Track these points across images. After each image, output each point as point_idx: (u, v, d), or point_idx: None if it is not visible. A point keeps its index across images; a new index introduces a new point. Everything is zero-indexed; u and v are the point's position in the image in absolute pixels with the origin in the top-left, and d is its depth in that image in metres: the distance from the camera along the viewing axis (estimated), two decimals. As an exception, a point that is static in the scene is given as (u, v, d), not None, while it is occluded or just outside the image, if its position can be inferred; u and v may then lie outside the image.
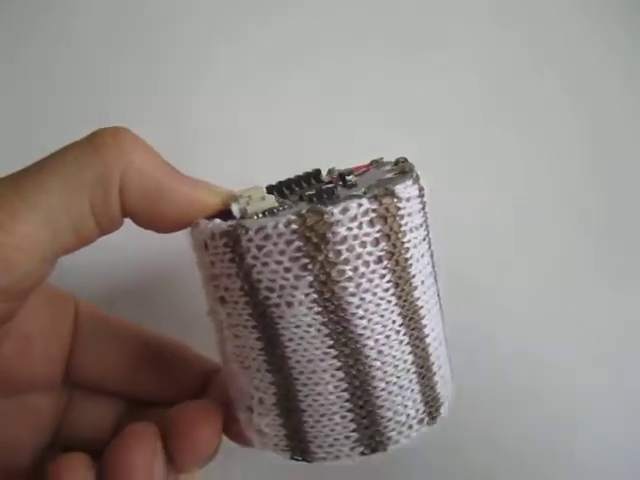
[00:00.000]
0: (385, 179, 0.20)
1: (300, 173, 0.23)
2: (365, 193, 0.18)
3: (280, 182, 0.23)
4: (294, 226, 0.17)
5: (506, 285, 0.31)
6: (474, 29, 0.33)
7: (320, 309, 0.18)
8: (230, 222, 0.18)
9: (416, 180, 0.20)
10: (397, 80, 0.33)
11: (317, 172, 0.23)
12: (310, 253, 0.17)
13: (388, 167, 0.22)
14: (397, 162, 0.22)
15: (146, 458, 0.20)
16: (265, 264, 0.18)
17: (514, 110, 0.33)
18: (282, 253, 0.17)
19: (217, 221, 0.19)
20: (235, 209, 0.20)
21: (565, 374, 0.31)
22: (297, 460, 0.20)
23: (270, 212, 0.20)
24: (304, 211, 0.17)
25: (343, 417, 0.19)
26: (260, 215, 0.20)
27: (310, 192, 0.20)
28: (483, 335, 0.30)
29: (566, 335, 0.31)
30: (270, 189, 0.22)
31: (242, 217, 0.20)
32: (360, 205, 0.17)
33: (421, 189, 0.20)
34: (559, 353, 0.30)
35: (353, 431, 0.19)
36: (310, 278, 0.17)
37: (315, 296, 0.18)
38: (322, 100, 0.33)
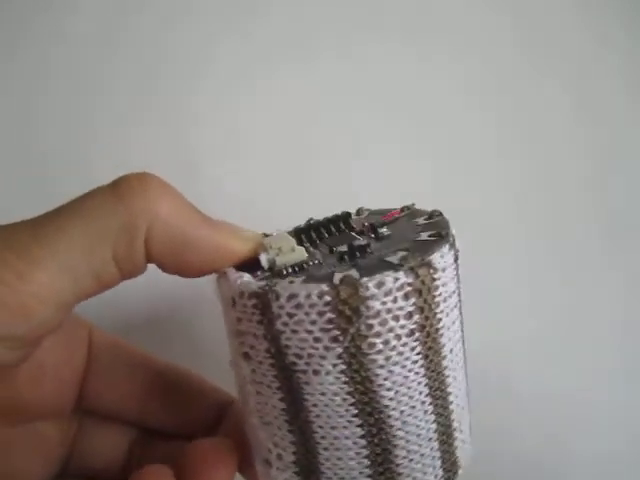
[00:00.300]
0: (420, 242, 0.19)
1: (329, 215, 0.23)
2: (401, 263, 0.17)
3: (309, 225, 0.22)
4: (327, 298, 0.17)
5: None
6: (474, 28, 0.32)
7: (347, 379, 0.17)
8: (260, 282, 0.18)
9: (452, 245, 0.19)
10: (399, 77, 0.32)
11: (346, 216, 0.22)
12: (342, 325, 0.17)
13: (421, 220, 0.21)
14: (431, 215, 0.21)
15: None
16: (295, 332, 0.17)
17: (514, 110, 0.33)
18: (313, 323, 0.17)
19: (246, 278, 0.18)
20: (264, 260, 0.20)
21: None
22: (312, 516, 0.20)
23: (300, 267, 0.19)
24: (337, 281, 0.17)
25: (363, 483, 0.19)
26: (289, 269, 0.19)
27: (342, 249, 0.20)
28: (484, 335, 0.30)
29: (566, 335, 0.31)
30: (298, 233, 0.22)
31: (270, 268, 0.19)
32: (396, 279, 0.17)
33: (457, 253, 0.19)
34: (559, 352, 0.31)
35: (371, 497, 0.19)
36: (340, 350, 0.17)
37: (343, 367, 0.17)
38: (322, 99, 0.32)
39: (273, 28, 0.32)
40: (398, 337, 0.17)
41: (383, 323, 0.17)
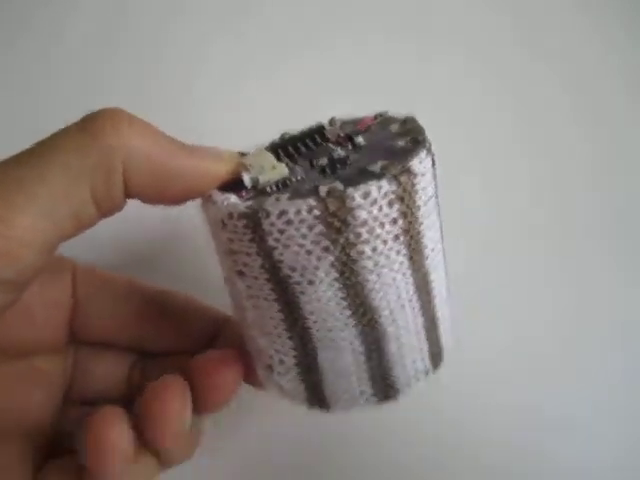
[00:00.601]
0: (398, 149, 0.20)
1: (303, 128, 0.23)
2: (383, 172, 0.18)
3: (284, 139, 0.22)
4: (316, 212, 0.17)
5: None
6: (474, 28, 0.33)
7: (340, 285, 0.19)
8: (247, 202, 0.18)
9: (429, 150, 0.20)
10: (396, 77, 0.32)
11: (321, 127, 0.23)
12: (332, 236, 0.18)
13: (396, 127, 0.22)
14: (405, 121, 0.22)
15: (180, 406, 0.21)
16: (287, 246, 0.18)
17: (514, 110, 0.33)
18: (304, 237, 0.18)
19: (233, 199, 0.19)
20: (247, 179, 0.20)
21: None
22: (314, 409, 0.22)
23: (283, 183, 0.20)
24: (324, 194, 0.18)
25: (359, 376, 0.20)
26: (273, 187, 0.20)
27: (322, 162, 0.20)
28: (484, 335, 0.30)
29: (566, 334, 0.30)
30: (275, 148, 0.22)
31: (254, 187, 0.20)
32: (380, 188, 0.18)
33: (433, 158, 0.20)
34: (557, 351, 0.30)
35: (367, 386, 0.21)
36: (331, 258, 0.18)
37: (336, 275, 0.18)
38: (317, 98, 0.32)
39: (267, 28, 0.32)
40: (384, 242, 0.18)
41: (370, 231, 0.18)
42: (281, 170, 0.20)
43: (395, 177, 0.18)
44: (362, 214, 0.18)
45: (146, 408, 0.21)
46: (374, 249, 0.18)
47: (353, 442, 0.26)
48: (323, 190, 0.18)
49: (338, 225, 0.18)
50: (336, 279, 0.18)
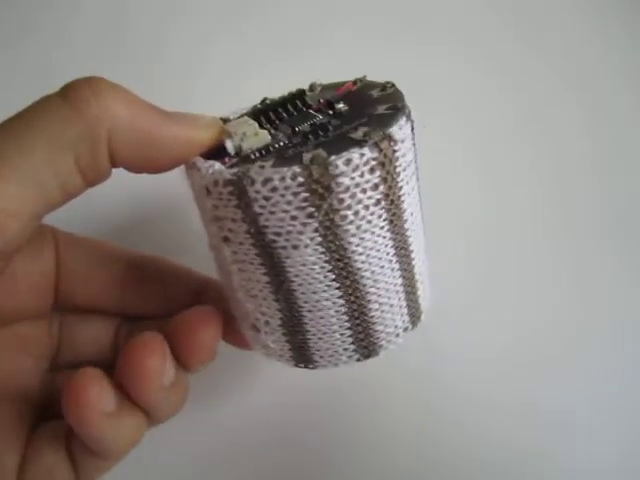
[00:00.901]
0: (378, 115, 0.20)
1: (284, 94, 0.23)
2: (365, 138, 0.19)
3: (266, 105, 0.23)
4: (300, 179, 0.18)
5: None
6: (474, 27, 0.33)
7: (324, 250, 0.19)
8: (232, 169, 0.19)
9: (409, 116, 0.20)
10: (400, 65, 0.31)
11: (302, 93, 0.23)
12: (315, 202, 0.18)
13: (376, 93, 0.22)
14: (384, 87, 0.22)
15: (159, 361, 0.22)
16: (272, 212, 0.19)
17: (515, 108, 0.33)
18: (289, 203, 0.18)
19: (217, 167, 0.19)
20: (230, 146, 0.20)
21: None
22: (300, 367, 0.23)
23: (266, 150, 0.20)
24: (308, 161, 0.18)
25: (342, 334, 0.21)
26: (256, 153, 0.20)
27: (304, 128, 0.20)
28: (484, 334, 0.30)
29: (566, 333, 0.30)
30: (257, 113, 0.22)
31: (237, 154, 0.20)
32: (362, 155, 0.18)
33: (412, 124, 0.21)
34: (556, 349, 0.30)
35: (350, 344, 0.22)
36: (315, 224, 0.19)
37: (320, 239, 0.19)
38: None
39: (267, 27, 0.33)
40: (366, 207, 0.19)
41: (352, 196, 0.19)
42: (263, 137, 0.20)
43: (376, 144, 0.18)
44: (345, 180, 0.18)
45: (125, 364, 0.21)
46: (356, 214, 0.19)
47: (351, 444, 0.26)
48: (307, 157, 0.18)
49: (321, 191, 0.18)
50: (320, 243, 0.19)
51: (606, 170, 0.33)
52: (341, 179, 0.18)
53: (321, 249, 0.19)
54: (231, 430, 0.26)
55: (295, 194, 0.18)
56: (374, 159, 0.18)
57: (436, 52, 0.33)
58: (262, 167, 0.18)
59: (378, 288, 0.21)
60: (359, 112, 0.21)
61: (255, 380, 0.27)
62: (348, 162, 0.18)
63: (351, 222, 0.19)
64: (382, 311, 0.21)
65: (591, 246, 0.31)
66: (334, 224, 0.19)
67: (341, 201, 0.18)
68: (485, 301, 0.29)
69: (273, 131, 0.21)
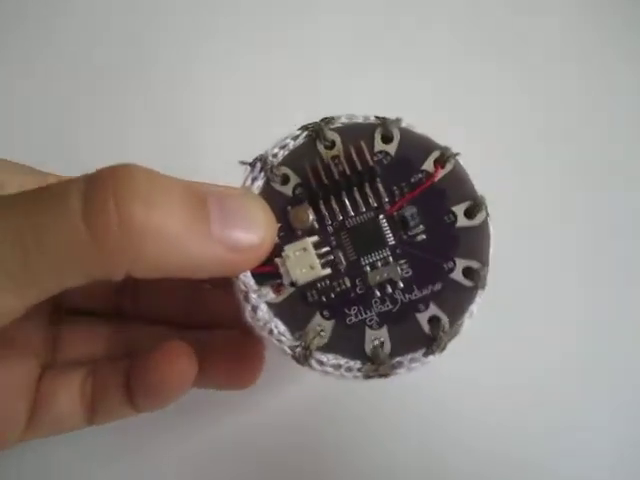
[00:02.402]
0: (452, 285, 0.18)
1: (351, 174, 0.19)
2: (433, 334, 0.18)
3: (329, 187, 0.19)
4: (357, 373, 0.18)
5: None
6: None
7: None
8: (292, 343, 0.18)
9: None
10: (401, 65, 0.32)
11: (373, 172, 0.19)
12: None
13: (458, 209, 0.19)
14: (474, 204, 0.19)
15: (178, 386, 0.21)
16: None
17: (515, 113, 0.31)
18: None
19: (270, 297, 0.18)
20: (286, 280, 0.18)
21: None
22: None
23: (326, 293, 0.18)
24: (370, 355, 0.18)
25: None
26: (315, 296, 0.18)
27: (371, 280, 0.18)
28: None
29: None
30: (315, 193, 0.19)
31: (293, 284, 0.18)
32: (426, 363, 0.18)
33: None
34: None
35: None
36: None
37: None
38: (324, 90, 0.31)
39: (267, 28, 0.33)
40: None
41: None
42: (317, 272, 0.18)
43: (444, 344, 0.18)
44: (401, 372, 0.18)
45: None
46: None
47: (350, 444, 0.27)
48: (369, 349, 0.18)
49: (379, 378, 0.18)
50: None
51: (607, 168, 0.31)
52: (399, 371, 0.18)
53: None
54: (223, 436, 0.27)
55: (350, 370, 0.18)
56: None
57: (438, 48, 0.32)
58: (320, 349, 0.18)
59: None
60: (434, 251, 0.19)
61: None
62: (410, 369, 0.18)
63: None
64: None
65: (591, 245, 0.30)
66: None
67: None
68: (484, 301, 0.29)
69: (331, 249, 0.19)
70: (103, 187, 0.15)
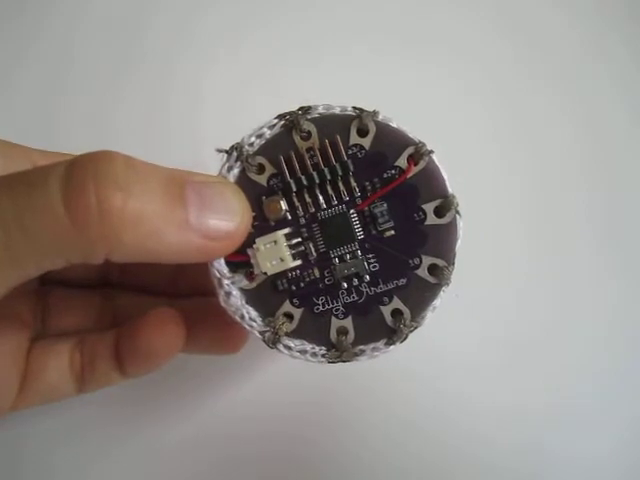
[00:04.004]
0: (417, 281, 0.19)
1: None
2: (396, 327, 0.19)
3: (303, 182, 0.19)
4: (322, 358, 0.19)
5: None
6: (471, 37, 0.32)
7: None
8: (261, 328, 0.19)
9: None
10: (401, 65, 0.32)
11: (345, 168, 0.19)
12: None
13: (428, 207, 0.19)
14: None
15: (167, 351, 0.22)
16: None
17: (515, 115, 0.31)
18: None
19: (244, 283, 0.19)
20: (256, 269, 0.19)
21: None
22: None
23: (295, 282, 0.19)
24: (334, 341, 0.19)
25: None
26: (284, 283, 0.19)
27: (339, 273, 0.19)
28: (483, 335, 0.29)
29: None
30: (288, 187, 0.19)
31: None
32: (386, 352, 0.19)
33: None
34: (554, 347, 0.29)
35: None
36: None
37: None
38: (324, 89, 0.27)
39: (267, 28, 0.32)
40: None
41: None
42: (287, 264, 0.19)
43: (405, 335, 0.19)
44: (363, 359, 0.19)
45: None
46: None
47: (348, 445, 0.28)
48: (333, 336, 0.19)
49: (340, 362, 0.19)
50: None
51: (604, 168, 0.31)
52: (360, 359, 0.19)
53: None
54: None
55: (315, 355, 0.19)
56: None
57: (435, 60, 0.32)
58: (288, 334, 0.19)
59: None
60: (401, 247, 0.19)
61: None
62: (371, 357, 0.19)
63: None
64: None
65: (591, 245, 0.30)
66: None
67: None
68: (483, 301, 0.29)
69: (303, 241, 0.19)
70: (83, 172, 0.16)
